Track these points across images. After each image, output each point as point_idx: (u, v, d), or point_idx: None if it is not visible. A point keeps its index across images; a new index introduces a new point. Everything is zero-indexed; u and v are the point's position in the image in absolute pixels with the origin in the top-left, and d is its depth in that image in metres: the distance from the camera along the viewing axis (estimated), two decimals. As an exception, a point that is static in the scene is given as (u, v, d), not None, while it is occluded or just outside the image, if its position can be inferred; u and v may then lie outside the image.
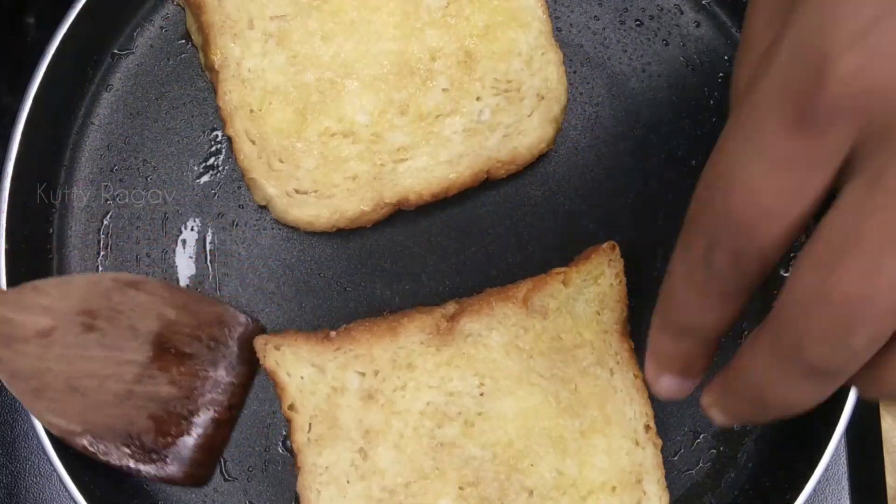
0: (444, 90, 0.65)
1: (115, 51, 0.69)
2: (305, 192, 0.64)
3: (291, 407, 0.61)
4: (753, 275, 0.44)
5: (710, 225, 0.43)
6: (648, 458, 0.62)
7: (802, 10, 0.41)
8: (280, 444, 0.66)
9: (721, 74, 0.71)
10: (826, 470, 0.63)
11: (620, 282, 0.63)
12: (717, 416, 0.49)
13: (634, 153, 0.70)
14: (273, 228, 0.68)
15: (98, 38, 0.68)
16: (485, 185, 0.67)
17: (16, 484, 0.69)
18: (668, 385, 0.52)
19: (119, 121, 0.69)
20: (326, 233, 0.65)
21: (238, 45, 0.64)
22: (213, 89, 0.65)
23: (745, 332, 0.67)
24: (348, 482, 0.59)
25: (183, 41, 0.70)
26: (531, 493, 0.60)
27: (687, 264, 0.45)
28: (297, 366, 0.61)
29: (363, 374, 0.61)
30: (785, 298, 0.42)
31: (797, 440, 0.65)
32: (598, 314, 0.62)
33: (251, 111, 0.63)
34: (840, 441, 0.64)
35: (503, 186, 0.68)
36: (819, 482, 0.62)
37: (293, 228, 0.65)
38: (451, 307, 0.63)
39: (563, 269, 0.63)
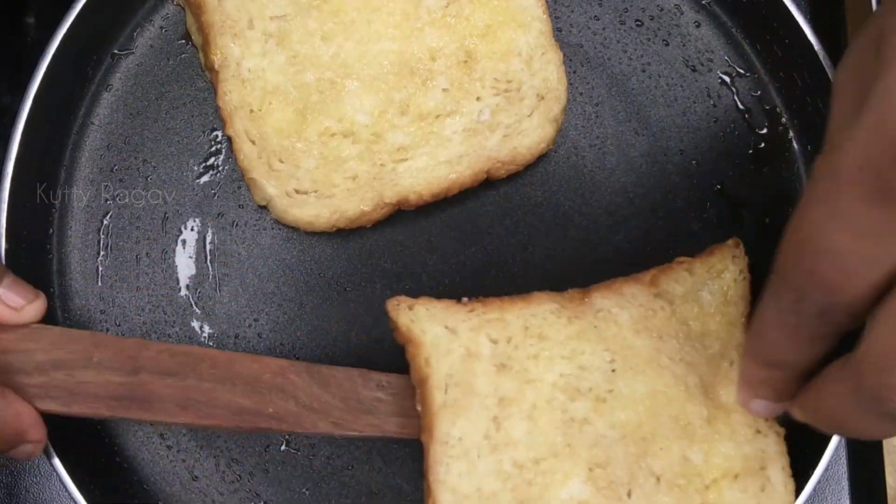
0: (444, 90, 0.65)
1: (115, 51, 0.69)
2: (305, 192, 0.64)
3: (427, 363, 0.59)
4: (841, 324, 0.47)
5: (799, 282, 0.46)
6: (771, 445, 0.61)
7: (883, 89, 0.43)
8: (283, 443, 0.66)
9: (721, 74, 0.71)
10: (826, 470, 0.63)
11: (745, 278, 0.63)
12: (799, 418, 0.54)
13: (634, 153, 0.69)
14: (273, 228, 0.68)
15: (98, 38, 0.68)
16: (485, 185, 0.67)
17: (16, 484, 0.69)
18: (759, 407, 0.57)
19: (119, 121, 0.69)
20: (326, 233, 0.65)
21: (238, 45, 0.64)
22: (213, 89, 0.65)
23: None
24: (479, 456, 0.58)
25: (183, 41, 0.70)
26: (658, 479, 0.59)
27: (778, 309, 0.49)
28: (431, 324, 0.59)
29: (495, 342, 0.60)
30: (868, 347, 0.45)
31: (797, 440, 0.65)
32: (723, 307, 0.62)
33: (251, 111, 0.63)
34: (840, 441, 0.64)
35: (503, 186, 0.68)
36: (819, 482, 0.62)
37: (293, 228, 0.65)
38: (573, 292, 0.62)
39: (686, 258, 0.63)
